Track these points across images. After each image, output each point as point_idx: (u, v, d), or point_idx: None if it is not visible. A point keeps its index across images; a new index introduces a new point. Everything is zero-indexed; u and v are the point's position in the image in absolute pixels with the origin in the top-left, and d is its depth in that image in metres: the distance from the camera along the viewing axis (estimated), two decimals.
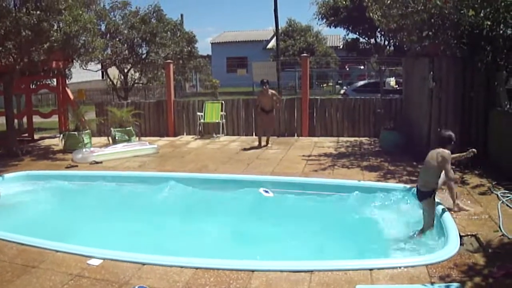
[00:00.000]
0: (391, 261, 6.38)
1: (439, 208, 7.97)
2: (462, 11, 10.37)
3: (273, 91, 15.07)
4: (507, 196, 8.62)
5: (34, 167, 12.61)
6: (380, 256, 6.78)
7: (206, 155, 13.75)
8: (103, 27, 22.46)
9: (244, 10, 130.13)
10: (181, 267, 6.10)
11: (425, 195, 7.44)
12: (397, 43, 27.95)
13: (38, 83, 19.56)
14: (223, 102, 17.31)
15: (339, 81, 37.79)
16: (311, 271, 5.85)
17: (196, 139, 16.81)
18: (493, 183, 9.54)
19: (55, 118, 18.75)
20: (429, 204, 7.45)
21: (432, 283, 5.48)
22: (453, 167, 10.42)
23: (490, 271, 5.74)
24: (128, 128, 15.65)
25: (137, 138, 16.02)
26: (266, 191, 10.19)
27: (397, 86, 22.27)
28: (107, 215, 9.37)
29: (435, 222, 7.44)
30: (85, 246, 6.90)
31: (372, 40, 34.31)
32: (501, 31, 10.24)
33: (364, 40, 35.69)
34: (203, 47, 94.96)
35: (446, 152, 7.38)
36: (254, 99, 17.53)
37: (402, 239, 7.39)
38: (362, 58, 34.95)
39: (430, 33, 11.41)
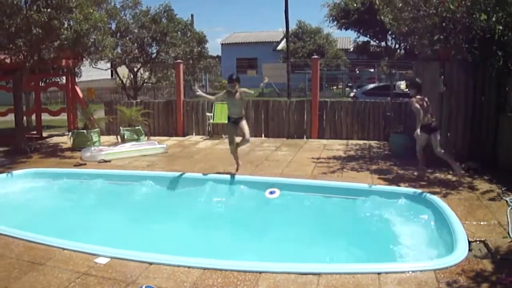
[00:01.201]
0: (399, 265, 6.35)
1: (448, 212, 7.96)
2: (474, 15, 10.32)
3: (244, 89, 11.07)
4: None
5: (42, 164, 12.63)
6: (388, 260, 6.75)
7: (215, 155, 13.74)
8: (113, 26, 22.50)
9: (254, 11, 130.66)
10: (189, 267, 6.07)
11: None
12: (407, 47, 28.03)
13: (48, 80, 19.66)
14: None
15: (349, 84, 37.76)
16: (319, 274, 5.82)
17: (205, 139, 16.81)
18: (503, 189, 9.46)
19: (63, 116, 18.80)
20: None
21: None
22: (463, 172, 10.49)
23: (498, 278, 5.69)
24: (137, 127, 15.66)
25: (146, 137, 16.04)
26: (272, 192, 10.19)
27: (407, 89, 22.16)
28: (114, 213, 9.37)
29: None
30: (92, 244, 6.89)
31: (383, 43, 34.47)
32: None
33: (374, 43, 35.87)
34: (212, 48, 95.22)
35: None
36: (264, 100, 17.60)
37: (411, 243, 7.36)
38: (372, 61, 34.96)
39: (442, 37, 11.35)
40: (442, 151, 10.15)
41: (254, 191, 10.29)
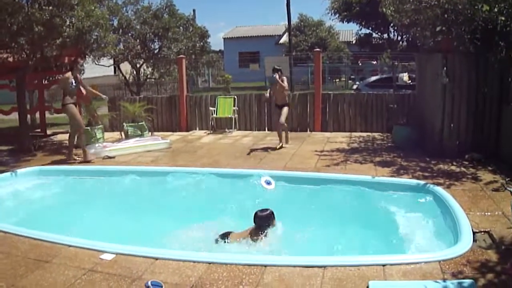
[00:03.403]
0: (404, 257, 6.34)
1: (452, 203, 7.97)
2: (476, 6, 10.29)
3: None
4: None
5: (47, 162, 12.66)
6: (393, 252, 6.76)
7: (218, 150, 13.74)
8: (115, 23, 22.54)
9: (255, 5, 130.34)
10: (194, 262, 6.08)
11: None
12: (410, 38, 27.94)
13: (51, 78, 19.65)
14: (235, 97, 17.31)
15: (351, 76, 37.70)
16: (324, 266, 5.83)
17: (208, 134, 16.85)
18: (507, 179, 9.45)
19: None
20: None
21: (444, 280, 5.44)
22: (466, 163, 10.54)
23: (503, 268, 5.69)
24: (140, 123, 15.71)
25: (150, 133, 16.07)
26: (268, 183, 10.09)
27: (410, 81, 22.13)
28: (119, 209, 9.37)
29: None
30: (97, 240, 6.91)
31: (385, 35, 34.42)
32: None
33: (377, 35, 35.85)
34: (215, 42, 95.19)
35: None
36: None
37: (415, 235, 7.36)
38: (375, 53, 34.89)
39: (444, 28, 11.32)
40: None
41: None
